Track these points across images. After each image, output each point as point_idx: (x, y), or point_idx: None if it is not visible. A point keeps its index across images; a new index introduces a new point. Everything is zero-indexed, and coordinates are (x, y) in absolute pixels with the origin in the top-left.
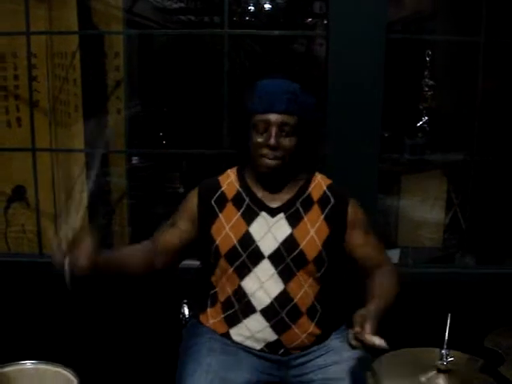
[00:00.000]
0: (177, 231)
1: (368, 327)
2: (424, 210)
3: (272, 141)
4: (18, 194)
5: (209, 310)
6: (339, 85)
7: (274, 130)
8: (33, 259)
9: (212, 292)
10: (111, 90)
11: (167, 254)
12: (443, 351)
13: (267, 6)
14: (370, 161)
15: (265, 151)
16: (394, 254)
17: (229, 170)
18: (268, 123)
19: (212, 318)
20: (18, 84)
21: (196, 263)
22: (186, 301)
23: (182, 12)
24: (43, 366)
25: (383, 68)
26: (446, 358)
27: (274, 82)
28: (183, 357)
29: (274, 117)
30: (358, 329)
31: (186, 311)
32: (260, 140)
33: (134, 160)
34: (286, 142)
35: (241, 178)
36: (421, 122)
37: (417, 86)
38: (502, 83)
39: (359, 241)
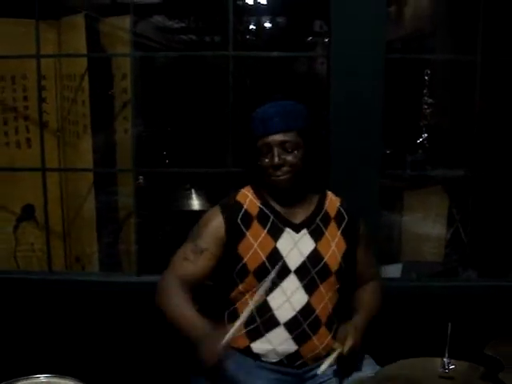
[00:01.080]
0: (206, 258)
1: (348, 343)
2: (426, 225)
3: (276, 160)
4: (27, 212)
5: (229, 326)
6: (341, 103)
7: (275, 150)
8: (43, 277)
9: (231, 308)
10: (119, 111)
11: (204, 279)
12: (445, 359)
13: (268, 26)
14: (371, 177)
15: (273, 171)
16: (397, 269)
17: (244, 190)
18: (269, 145)
19: None
20: (28, 105)
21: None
22: None
23: (185, 32)
24: (55, 380)
25: (383, 86)
26: (448, 366)
27: (271, 105)
28: (196, 371)
29: (272, 138)
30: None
31: None
32: (266, 162)
33: (141, 179)
34: (291, 157)
35: (260, 195)
36: (421, 139)
37: (417, 104)
38: (499, 100)
39: (361, 256)
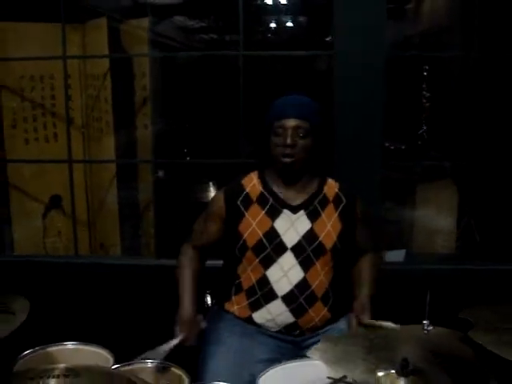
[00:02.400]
0: (209, 232)
1: (367, 315)
2: (437, 218)
3: (289, 140)
4: (55, 202)
5: (234, 297)
6: (345, 98)
7: (289, 132)
8: (69, 260)
9: (237, 282)
10: (139, 107)
11: (206, 251)
12: (424, 321)
13: (288, 25)
14: (373, 167)
15: (283, 150)
16: (400, 254)
17: (251, 174)
18: (285, 127)
19: (237, 304)
20: (55, 103)
21: (216, 262)
22: (208, 291)
23: (204, 31)
24: (81, 347)
25: (385, 82)
26: (427, 328)
27: (289, 97)
28: (207, 339)
29: (288, 121)
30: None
31: (209, 300)
32: (279, 141)
33: (160, 173)
34: (302, 142)
35: (263, 180)
36: (421, 131)
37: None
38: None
39: (362, 233)
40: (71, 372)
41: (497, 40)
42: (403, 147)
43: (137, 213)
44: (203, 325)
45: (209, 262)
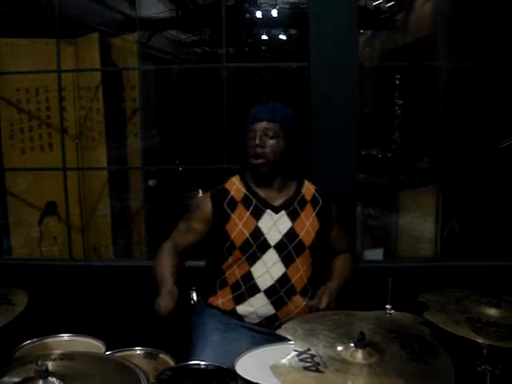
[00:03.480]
0: (195, 232)
1: (324, 300)
2: (421, 223)
3: (257, 140)
4: (50, 209)
5: (219, 292)
6: (319, 106)
7: (259, 133)
8: (64, 263)
9: (221, 278)
10: (129, 117)
11: (187, 251)
12: (387, 306)
13: (281, 38)
14: (350, 172)
15: (253, 151)
16: (379, 253)
17: (232, 178)
18: (255, 130)
19: (221, 298)
20: (50, 114)
21: (199, 263)
22: (194, 288)
23: (194, 44)
24: (77, 338)
25: (357, 91)
26: (390, 311)
27: (262, 104)
28: (193, 333)
29: (258, 125)
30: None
31: (195, 296)
32: (250, 143)
33: (150, 182)
34: (271, 142)
35: (245, 183)
36: (393, 136)
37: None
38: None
39: (335, 232)
40: (66, 356)
41: (468, 50)
42: (375, 153)
43: (128, 217)
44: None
45: (192, 262)
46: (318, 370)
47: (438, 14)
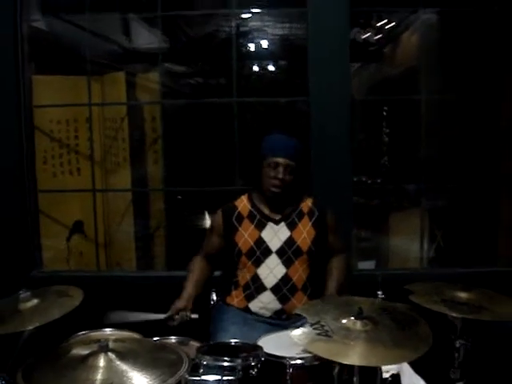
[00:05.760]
0: (213, 244)
1: None
2: (410, 242)
3: (280, 175)
4: (77, 227)
5: (233, 292)
6: (318, 137)
7: (281, 169)
8: (92, 274)
9: (235, 280)
10: (150, 145)
11: (211, 258)
12: (378, 292)
13: (271, 69)
14: (345, 195)
15: (274, 182)
16: (371, 264)
17: (242, 196)
18: (277, 164)
19: (236, 297)
20: (78, 142)
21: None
22: (214, 289)
23: (193, 76)
24: (117, 331)
25: (350, 121)
26: (380, 296)
27: (281, 136)
28: (215, 327)
29: (282, 160)
30: None
31: (214, 297)
32: (272, 174)
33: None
34: (288, 177)
35: (251, 201)
36: (383, 160)
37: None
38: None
39: (331, 238)
40: (118, 339)
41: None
42: (365, 179)
43: (149, 235)
44: (193, 316)
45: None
46: (327, 335)
47: (423, 46)
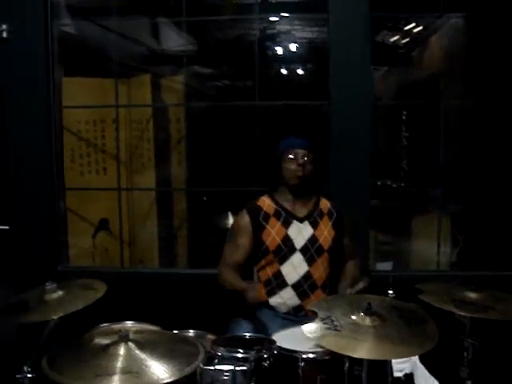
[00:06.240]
0: (242, 247)
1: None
2: (432, 246)
3: (300, 161)
4: (103, 224)
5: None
6: (339, 139)
7: (300, 156)
8: (116, 270)
9: (256, 276)
10: (174, 146)
11: (237, 267)
12: (389, 291)
13: (296, 72)
14: (363, 198)
15: (296, 171)
16: (389, 265)
17: (262, 197)
18: (296, 153)
19: None
20: (105, 142)
21: None
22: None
23: (218, 78)
24: (137, 324)
25: (370, 124)
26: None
27: (296, 136)
28: (233, 321)
29: (299, 152)
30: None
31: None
32: (293, 166)
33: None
34: (308, 166)
35: (274, 200)
36: (402, 163)
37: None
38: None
39: (346, 241)
40: (138, 331)
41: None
42: (389, 183)
43: (172, 233)
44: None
45: None
46: (336, 329)
47: (448, 51)
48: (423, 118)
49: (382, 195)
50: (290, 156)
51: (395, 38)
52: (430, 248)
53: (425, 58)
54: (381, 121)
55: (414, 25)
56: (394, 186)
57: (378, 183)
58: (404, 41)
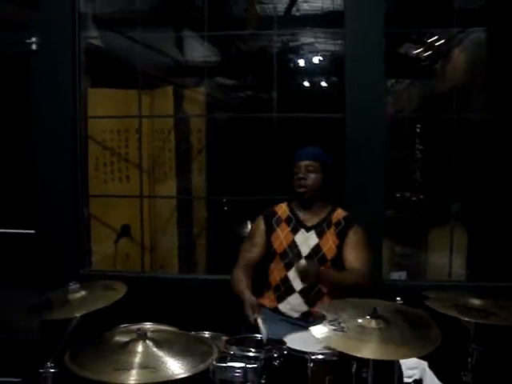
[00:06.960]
0: (257, 245)
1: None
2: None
3: (300, 175)
4: (125, 230)
5: (265, 293)
6: (354, 150)
7: (302, 168)
8: (137, 275)
9: (267, 282)
10: (195, 156)
11: (254, 265)
12: (397, 298)
13: (318, 84)
14: (377, 209)
15: (298, 182)
16: (402, 274)
17: (281, 204)
18: (299, 166)
19: (267, 298)
20: (128, 151)
21: None
22: None
23: (240, 89)
24: (156, 326)
25: (385, 137)
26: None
27: (309, 146)
28: (246, 325)
29: (302, 162)
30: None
31: None
32: (296, 176)
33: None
34: (311, 175)
35: (290, 208)
36: (415, 175)
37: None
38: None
39: (350, 249)
40: (155, 330)
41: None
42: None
43: (192, 241)
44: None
45: None
46: (342, 331)
47: (469, 64)
48: (443, 131)
49: (396, 206)
50: (295, 169)
51: (418, 50)
52: (445, 259)
53: (446, 71)
54: (404, 132)
55: (436, 37)
56: (414, 198)
57: (398, 195)
58: (427, 53)
